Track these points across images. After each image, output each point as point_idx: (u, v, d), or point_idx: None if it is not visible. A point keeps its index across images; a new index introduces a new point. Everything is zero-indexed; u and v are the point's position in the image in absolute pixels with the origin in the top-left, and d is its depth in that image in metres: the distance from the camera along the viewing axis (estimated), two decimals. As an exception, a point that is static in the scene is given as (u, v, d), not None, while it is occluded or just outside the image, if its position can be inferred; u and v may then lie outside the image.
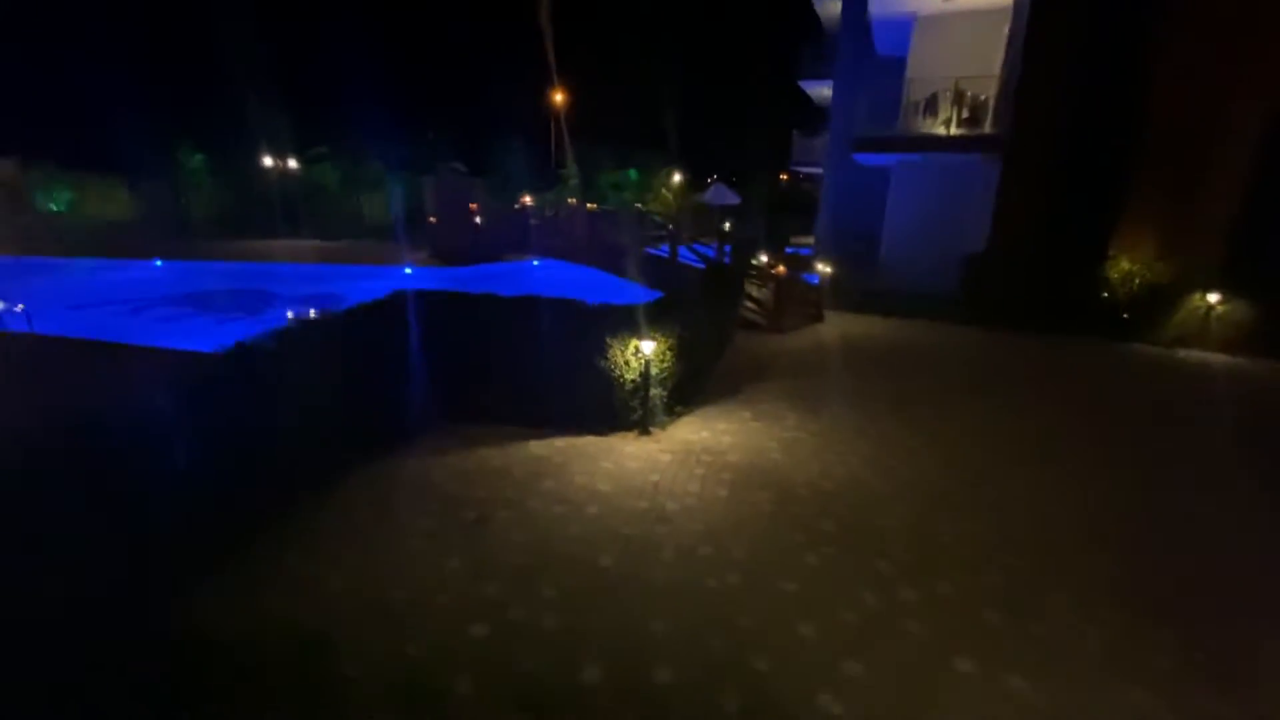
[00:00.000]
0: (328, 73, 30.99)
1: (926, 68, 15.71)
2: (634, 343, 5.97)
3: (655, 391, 6.28)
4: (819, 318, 11.87)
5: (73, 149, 27.24)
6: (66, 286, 16.00)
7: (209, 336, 4.71)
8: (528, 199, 24.70)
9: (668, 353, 6.31)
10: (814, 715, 2.89)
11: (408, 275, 17.59)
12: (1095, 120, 12.05)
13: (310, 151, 29.23)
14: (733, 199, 33.29)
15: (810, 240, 25.43)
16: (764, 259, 13.59)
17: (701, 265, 13.26)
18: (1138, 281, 11.62)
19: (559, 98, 32.80)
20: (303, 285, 15.41)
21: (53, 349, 8.06)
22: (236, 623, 3.34)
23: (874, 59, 19.92)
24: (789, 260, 13.03)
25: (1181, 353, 10.57)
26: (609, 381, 6.09)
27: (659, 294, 8.14)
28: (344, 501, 4.72)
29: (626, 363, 6.06)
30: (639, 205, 27.98)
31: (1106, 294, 11.78)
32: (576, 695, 2.95)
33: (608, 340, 5.97)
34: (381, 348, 6.17)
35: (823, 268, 12.65)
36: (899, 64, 16.55)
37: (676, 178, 34.15)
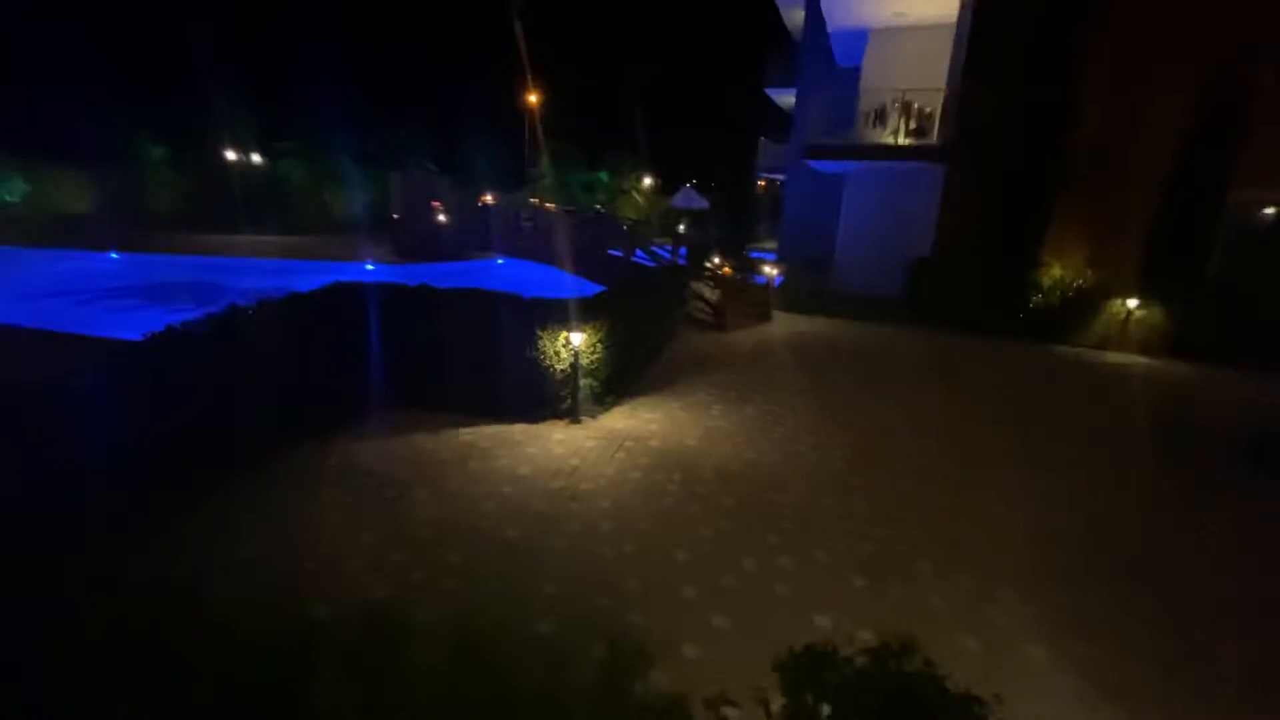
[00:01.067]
0: (295, 67, 30.69)
1: (880, 79, 16.35)
2: (563, 334, 6.26)
3: (585, 381, 6.58)
4: (766, 318, 12.29)
5: (29, 138, 26.53)
6: (17, 277, 15.72)
7: (155, 326, 4.86)
8: (488, 197, 24.82)
9: (598, 345, 6.61)
10: (673, 660, 3.21)
11: (368, 271, 17.60)
12: (1029, 131, 12.70)
13: (277, 146, 28.94)
14: (700, 203, 33.77)
15: (774, 244, 26.10)
16: (716, 261, 13.99)
17: (653, 265, 13.60)
18: (1067, 286, 12.27)
19: (531, 97, 32.98)
20: (259, 279, 15.33)
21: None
22: (148, 587, 3.54)
23: (834, 69, 20.54)
24: (741, 263, 13.43)
25: (1097, 354, 11.21)
26: (540, 371, 6.37)
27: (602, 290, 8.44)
28: (269, 481, 4.92)
29: (557, 353, 6.34)
30: (598, 207, 28.28)
31: (1038, 297, 12.42)
32: (462, 641, 3.23)
33: (538, 332, 6.25)
34: (320, 337, 6.34)
35: (770, 270, 13.09)
36: (858, 74, 17.16)
37: (647, 181, 34.54)
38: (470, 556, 4.04)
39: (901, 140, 15.39)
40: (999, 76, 12.97)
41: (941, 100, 14.56)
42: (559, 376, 6.42)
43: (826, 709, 1.81)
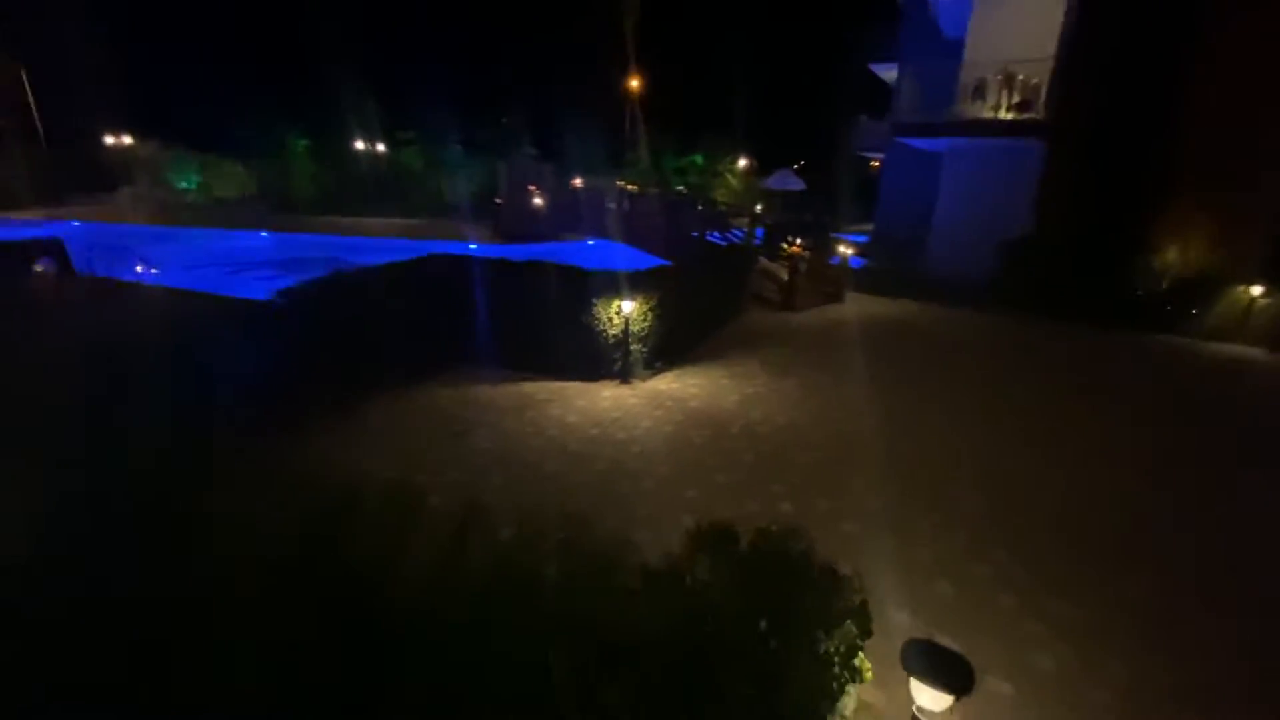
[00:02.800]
0: (416, 65, 33.39)
1: (984, 50, 15.38)
2: (616, 303, 6.91)
3: (636, 347, 7.20)
4: (838, 299, 12.27)
5: (201, 133, 30.99)
6: (189, 251, 18.76)
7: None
8: (578, 181, 25.89)
9: (647, 314, 7.20)
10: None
11: (470, 250, 19.17)
12: (1141, 107, 11.68)
13: (399, 137, 31.72)
14: (797, 184, 33.11)
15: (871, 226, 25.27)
16: (797, 242, 14.03)
17: (723, 245, 13.87)
18: (1181, 273, 11.24)
19: (632, 83, 33.70)
20: (379, 255, 17.30)
21: (172, 296, 10.00)
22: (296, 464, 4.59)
23: (941, 41, 19.47)
24: (817, 244, 13.42)
25: (1206, 345, 10.24)
26: (595, 336, 7.07)
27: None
28: (368, 416, 5.98)
29: (610, 320, 7.01)
30: (681, 189, 28.53)
31: (1147, 284, 11.45)
32: (490, 541, 3.99)
33: (593, 300, 6.94)
34: (409, 302, 7.40)
35: (845, 251, 12.97)
36: (962, 47, 16.28)
37: (742, 163, 34.29)
38: (510, 480, 4.82)
39: (1003, 115, 14.51)
40: (1110, 46, 12.00)
41: (1048, 72, 13.57)
42: (611, 341, 7.08)
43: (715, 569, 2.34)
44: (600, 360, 7.18)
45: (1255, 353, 9.96)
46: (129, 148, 30.89)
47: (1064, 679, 3.11)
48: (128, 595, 2.15)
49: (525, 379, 7.12)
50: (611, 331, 7.05)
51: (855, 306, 12.21)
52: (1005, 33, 15.08)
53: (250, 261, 17.29)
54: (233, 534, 3.07)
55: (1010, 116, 14.45)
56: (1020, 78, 14.21)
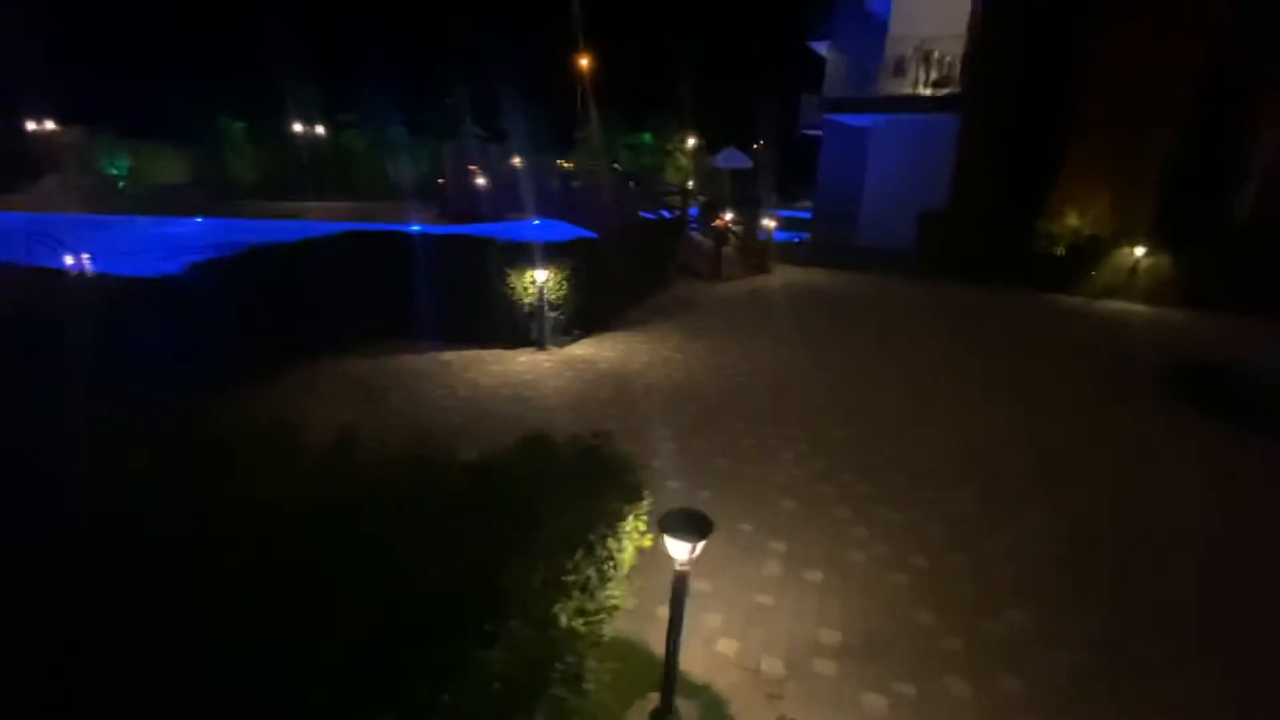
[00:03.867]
0: (356, 43, 32.56)
1: (906, 28, 16.04)
2: (530, 272, 7.27)
3: (552, 315, 7.58)
4: (764, 269, 12.85)
5: (131, 118, 29.80)
6: (119, 238, 18.26)
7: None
8: (516, 161, 25.95)
9: (563, 283, 7.58)
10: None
11: (414, 231, 19.16)
12: (1042, 79, 12.45)
13: (340, 119, 31.08)
14: (744, 162, 33.62)
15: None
16: (727, 216, 14.53)
17: (653, 219, 14.28)
18: (1077, 235, 12.13)
19: (581, 62, 33.54)
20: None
21: (87, 280, 9.97)
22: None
23: (873, 21, 20.07)
24: (746, 218, 13.96)
25: (1093, 303, 11.16)
26: (511, 305, 7.43)
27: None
28: (281, 382, 6.24)
29: (525, 290, 7.37)
30: (615, 167, 28.84)
31: (1046, 247, 12.32)
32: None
33: (506, 270, 7.28)
34: (333, 275, 7.61)
35: (769, 224, 13.55)
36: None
37: (690, 142, 34.60)
38: (418, 433, 5.16)
39: (922, 91, 15.21)
40: (1014, 22, 12.71)
41: (962, 49, 14.28)
42: (528, 310, 7.45)
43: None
44: (518, 328, 7.54)
45: (1137, 308, 10.91)
46: (53, 134, 29.46)
47: (869, 570, 3.68)
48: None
49: (447, 349, 7.43)
50: (527, 300, 7.41)
51: (781, 277, 12.81)
52: (924, 11, 15.72)
53: (184, 247, 16.94)
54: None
55: (929, 92, 15.17)
56: (937, 55, 14.90)
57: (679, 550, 2.35)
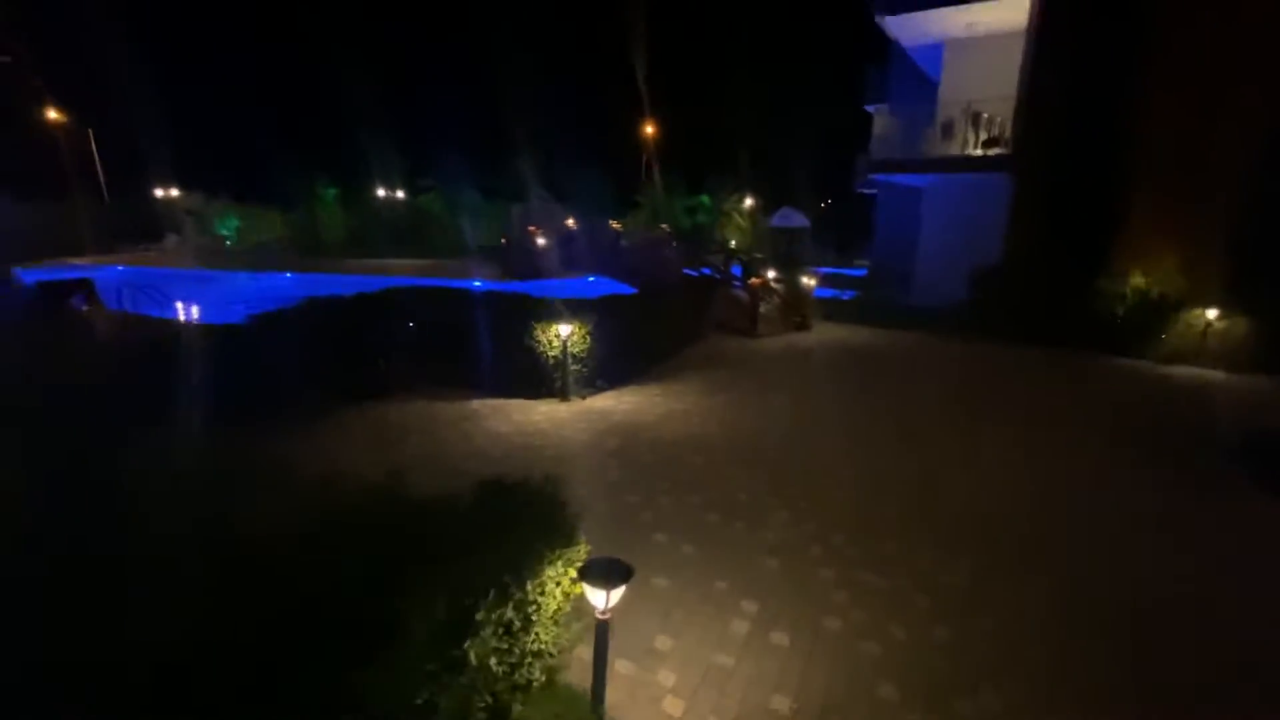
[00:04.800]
0: (436, 116, 35.83)
1: (956, 91, 16.15)
2: (554, 327, 7.61)
3: (575, 367, 7.86)
4: (804, 326, 12.78)
5: (242, 184, 33.63)
6: (215, 290, 20.36)
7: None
8: (571, 222, 27.19)
9: (586, 337, 7.88)
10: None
11: (475, 288, 20.33)
12: (1099, 137, 12.13)
13: (419, 184, 33.85)
14: (801, 221, 33.88)
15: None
16: (769, 274, 14.67)
17: (694, 276, 14.55)
18: (1143, 296, 11.45)
19: (645, 129, 35.28)
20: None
21: (171, 324, 11.19)
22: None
23: (926, 83, 20.29)
24: (789, 276, 14.03)
25: (1168, 367, 10.38)
26: (536, 357, 7.77)
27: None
28: (322, 427, 6.73)
29: (550, 342, 7.71)
30: (664, 226, 29.55)
31: (1108, 308, 11.67)
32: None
33: (532, 324, 7.66)
34: (378, 326, 8.24)
35: (809, 281, 13.53)
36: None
37: (748, 202, 35.28)
38: (428, 475, 5.45)
39: (972, 151, 15.10)
40: (1065, 78, 12.57)
41: (1012, 110, 14.15)
42: (552, 362, 7.76)
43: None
44: (542, 380, 7.85)
45: (1214, 375, 10.06)
46: (176, 199, 33.54)
47: (841, 637, 3.55)
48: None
49: (476, 397, 7.80)
50: (551, 353, 7.74)
51: (822, 334, 12.68)
52: (972, 75, 15.83)
53: (272, 299, 18.71)
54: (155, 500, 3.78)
55: (979, 152, 15.04)
56: (985, 116, 14.83)
57: (596, 598, 2.42)
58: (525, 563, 2.49)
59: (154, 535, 2.63)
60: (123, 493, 3.00)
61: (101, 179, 36.17)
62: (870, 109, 27.66)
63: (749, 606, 3.78)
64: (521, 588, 2.44)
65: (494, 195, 34.85)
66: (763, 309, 13.16)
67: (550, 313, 7.78)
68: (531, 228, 25.04)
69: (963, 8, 14.35)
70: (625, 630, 3.48)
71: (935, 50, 17.47)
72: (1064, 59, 12.61)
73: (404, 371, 8.42)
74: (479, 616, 2.27)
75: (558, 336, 7.64)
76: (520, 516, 2.74)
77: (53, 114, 34.10)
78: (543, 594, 2.55)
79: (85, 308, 11.82)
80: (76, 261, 26.64)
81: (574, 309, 8.00)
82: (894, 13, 15.67)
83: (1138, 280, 11.77)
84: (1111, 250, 12.16)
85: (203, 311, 15.30)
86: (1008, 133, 14.36)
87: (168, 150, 31.29)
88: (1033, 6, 13.24)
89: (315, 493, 3.46)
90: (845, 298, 17.78)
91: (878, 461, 6.07)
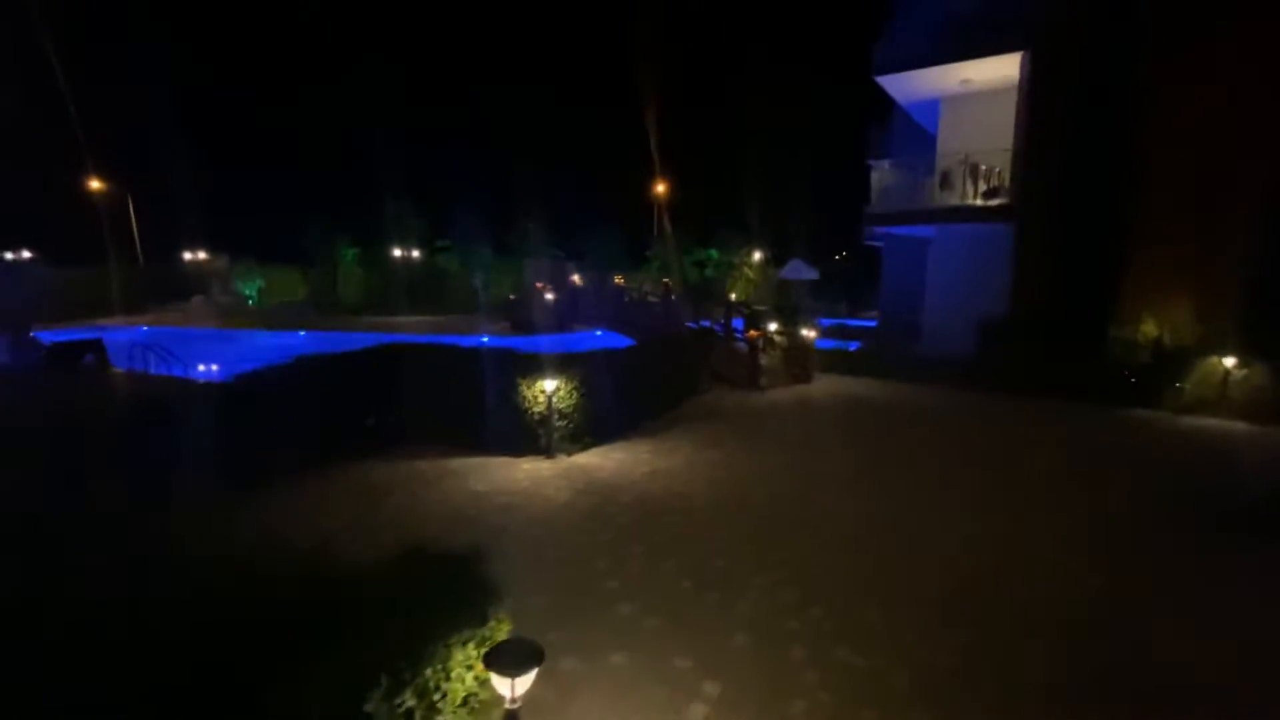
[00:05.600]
0: (450, 178, 37.25)
1: (952, 144, 16.35)
2: (539, 383, 7.52)
3: (561, 423, 7.71)
4: (805, 379, 12.54)
5: (264, 246, 34.92)
6: (230, 349, 20.80)
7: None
8: (576, 278, 27.62)
9: (573, 392, 7.76)
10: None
11: (481, 343, 20.51)
12: (1099, 185, 12.09)
13: (437, 243, 34.86)
14: (810, 274, 34.04)
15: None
16: (771, 327, 14.57)
17: (693, 328, 14.46)
18: (1157, 344, 11.09)
19: (654, 188, 36.16)
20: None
21: (171, 382, 11.35)
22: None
23: (926, 138, 20.63)
24: (790, 328, 13.91)
25: (1186, 418, 9.91)
26: (520, 414, 7.65)
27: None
28: (306, 486, 6.60)
29: (535, 398, 7.60)
30: (665, 280, 29.81)
31: (1120, 358, 11.31)
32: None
33: (517, 380, 7.58)
34: (365, 384, 8.22)
35: (809, 334, 13.37)
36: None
37: (757, 255, 35.61)
38: (398, 536, 5.28)
39: (973, 201, 15.12)
40: (1061, 128, 12.67)
41: (1009, 159, 14.23)
42: (537, 418, 7.63)
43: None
44: (527, 437, 7.70)
45: (1237, 426, 9.58)
46: (203, 261, 34.85)
47: (808, 721, 3.22)
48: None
49: (460, 455, 7.66)
50: (537, 409, 7.62)
51: (824, 387, 12.42)
52: (969, 128, 16.04)
53: (280, 356, 19.03)
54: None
55: (980, 203, 15.05)
56: (984, 167, 14.91)
57: (502, 686, 2.20)
58: (426, 645, 2.29)
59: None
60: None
61: (137, 242, 37.87)
62: (871, 164, 28.25)
63: (710, 689, 3.47)
64: (420, 673, 2.23)
65: (507, 253, 35.66)
66: (764, 361, 13.01)
67: (536, 368, 7.70)
68: (539, 284, 25.43)
69: (954, 66, 14.65)
70: (572, 715, 3.21)
71: (933, 106, 17.82)
72: (1057, 111, 12.74)
73: (392, 428, 8.36)
74: (369, 708, 2.07)
75: (543, 392, 7.53)
76: (429, 594, 2.54)
77: (95, 183, 36.10)
78: (448, 679, 2.33)
79: (94, 365, 12.10)
80: (105, 322, 27.55)
81: (565, 364, 7.91)
82: (888, 72, 16.10)
83: (1149, 328, 11.46)
84: (1121, 298, 11.90)
85: (209, 370, 15.58)
86: (1007, 183, 14.39)
87: (197, 214, 32.79)
88: (1023, 63, 13.49)
89: (232, 567, 3.31)
90: (851, 349, 17.54)
91: (869, 524, 5.74)
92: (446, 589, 2.70)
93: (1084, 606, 4.35)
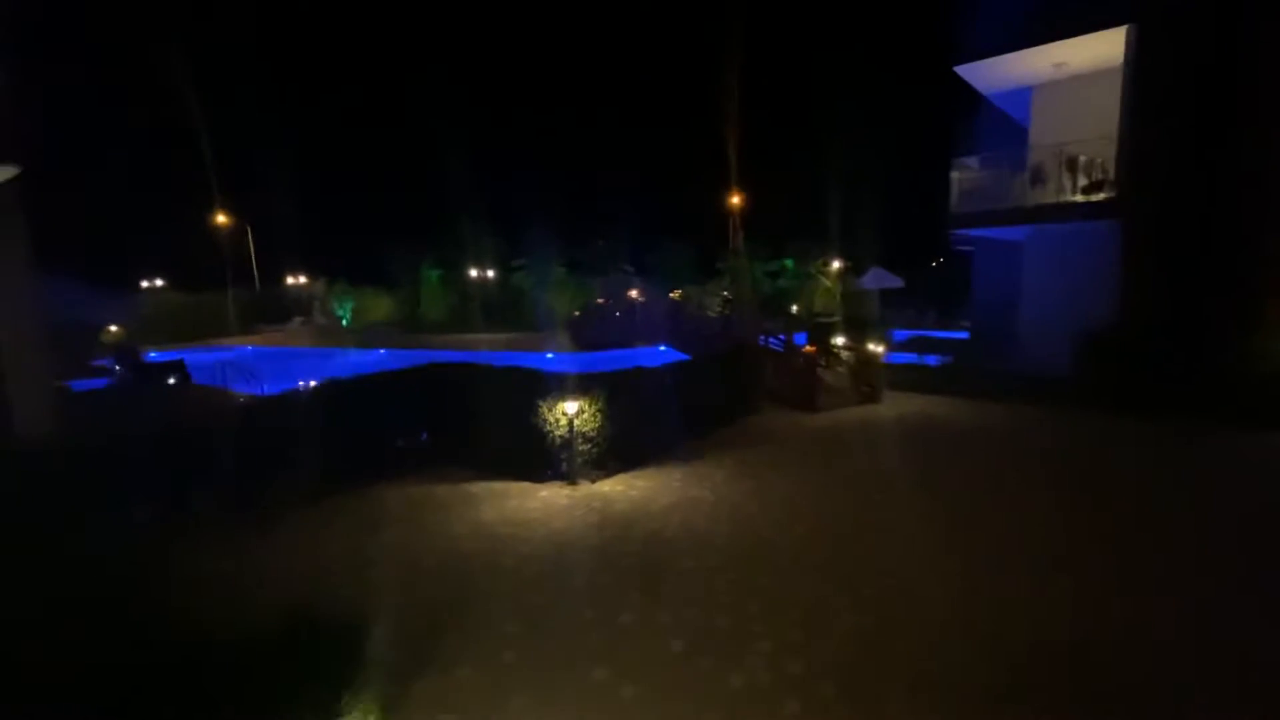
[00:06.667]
0: (526, 200, 38.11)
1: (1046, 135, 14.67)
2: (560, 405, 7.14)
3: (584, 447, 7.27)
4: (872, 398, 11.44)
5: (358, 269, 37.29)
6: (314, 366, 22.13)
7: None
8: (634, 293, 27.21)
9: (597, 414, 7.31)
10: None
11: (546, 359, 20.60)
12: (1218, 171, 10.29)
13: (512, 263, 35.91)
14: (893, 282, 31.94)
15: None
16: (838, 341, 13.53)
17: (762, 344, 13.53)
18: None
19: (733, 199, 35.42)
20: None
21: (244, 398, 11.97)
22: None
23: (1014, 132, 18.77)
24: (857, 343, 12.84)
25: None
26: (541, 437, 7.29)
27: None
28: (319, 512, 6.55)
29: (557, 421, 7.22)
30: (725, 294, 28.63)
31: (1251, 373, 9.43)
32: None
33: (538, 402, 7.24)
34: (391, 405, 8.17)
35: (877, 349, 12.17)
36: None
37: (835, 264, 33.97)
38: (397, 567, 5.03)
39: (1071, 197, 13.39)
40: (1173, 110, 10.93)
41: (1113, 151, 12.47)
42: (558, 442, 7.24)
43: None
44: (550, 461, 7.33)
45: None
46: (303, 285, 37.72)
47: None
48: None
49: (479, 479, 7.39)
50: (558, 433, 7.23)
51: (895, 407, 11.24)
52: (1065, 116, 14.34)
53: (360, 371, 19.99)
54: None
55: (1080, 198, 13.31)
56: (1083, 159, 13.19)
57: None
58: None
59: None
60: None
61: (255, 269, 41.63)
62: (954, 163, 26.12)
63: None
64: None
65: (579, 270, 36.12)
66: (830, 379, 12.00)
67: (560, 388, 7.33)
68: (601, 300, 25.36)
69: (1045, 48, 13.11)
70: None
71: (1021, 96, 16.13)
72: (1169, 91, 11.02)
73: (423, 450, 8.27)
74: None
75: (564, 414, 7.14)
76: (282, 678, 2.14)
77: (221, 217, 40.04)
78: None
79: (178, 383, 13.07)
80: (221, 342, 30.33)
81: (591, 384, 7.49)
82: (971, 60, 14.71)
83: (1292, 339, 9.50)
84: (1249, 302, 9.98)
85: (266, 386, 16.54)
86: (1111, 175, 12.62)
87: (300, 240, 35.65)
88: (1128, 39, 11.82)
89: (147, 604, 3.11)
90: (931, 363, 15.97)
91: (913, 579, 4.84)
92: (330, 659, 2.29)
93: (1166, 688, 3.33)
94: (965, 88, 21.94)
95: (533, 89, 51.39)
